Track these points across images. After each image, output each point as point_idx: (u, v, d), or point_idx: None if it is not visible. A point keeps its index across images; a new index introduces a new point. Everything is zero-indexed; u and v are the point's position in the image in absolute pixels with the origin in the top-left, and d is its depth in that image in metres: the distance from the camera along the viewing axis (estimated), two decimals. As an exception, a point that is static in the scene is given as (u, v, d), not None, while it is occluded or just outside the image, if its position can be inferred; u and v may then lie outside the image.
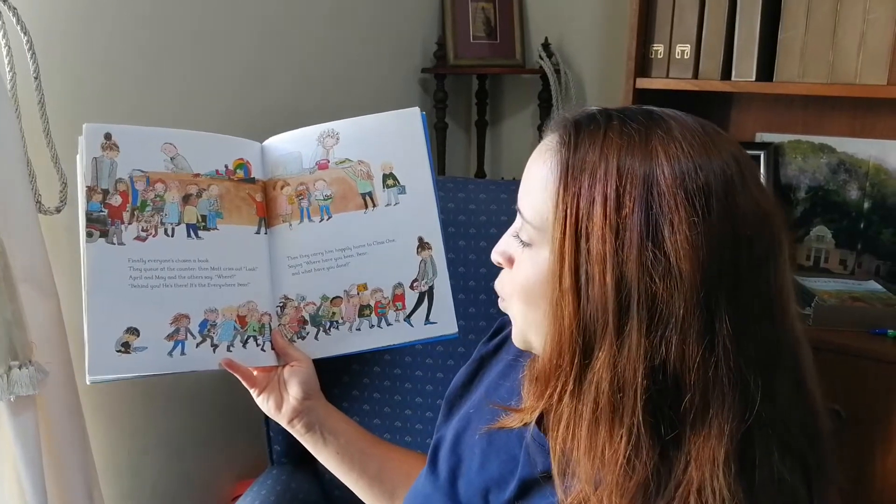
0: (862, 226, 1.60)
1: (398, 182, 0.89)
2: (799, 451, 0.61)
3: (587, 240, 0.60)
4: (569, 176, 0.61)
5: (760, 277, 0.59)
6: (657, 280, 0.57)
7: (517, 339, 0.71)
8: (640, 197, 0.58)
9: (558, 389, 0.63)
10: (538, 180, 0.65)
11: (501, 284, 0.71)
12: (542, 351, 0.66)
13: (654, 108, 0.64)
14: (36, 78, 1.05)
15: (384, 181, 0.89)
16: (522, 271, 0.67)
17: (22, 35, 1.03)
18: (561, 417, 0.63)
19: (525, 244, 0.67)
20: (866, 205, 1.59)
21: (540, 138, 0.69)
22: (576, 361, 0.61)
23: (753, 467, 0.58)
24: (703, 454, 0.58)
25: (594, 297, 0.59)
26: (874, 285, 1.52)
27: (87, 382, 0.80)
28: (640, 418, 0.58)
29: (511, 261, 0.69)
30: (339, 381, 1.29)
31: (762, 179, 0.63)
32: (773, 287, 0.60)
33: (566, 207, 0.61)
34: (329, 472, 0.93)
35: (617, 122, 0.62)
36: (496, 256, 0.71)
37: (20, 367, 0.99)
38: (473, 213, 1.25)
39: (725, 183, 0.58)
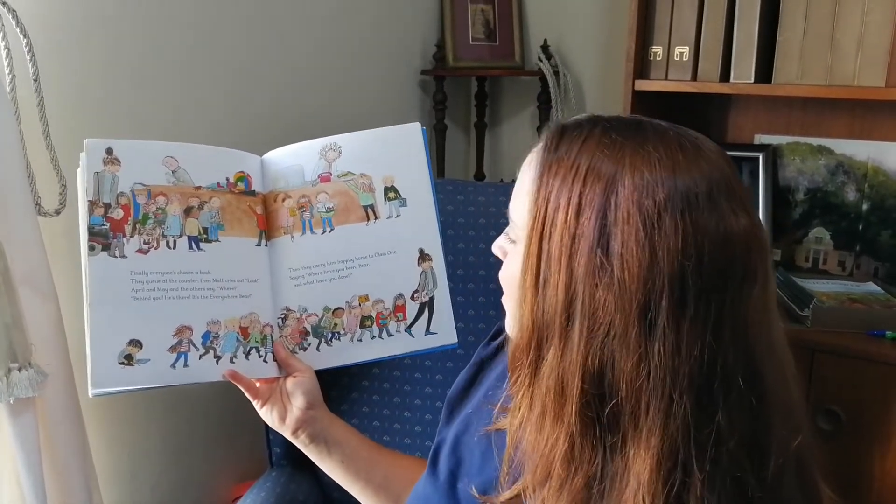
0: (860, 227, 1.60)
1: (399, 195, 0.90)
2: (743, 480, 0.59)
3: (549, 241, 0.62)
4: (543, 179, 0.63)
5: (712, 300, 0.58)
6: (601, 288, 0.58)
7: (508, 328, 0.74)
8: (598, 205, 0.59)
9: (519, 379, 0.65)
10: (521, 182, 0.68)
11: (500, 277, 0.74)
12: (512, 341, 0.69)
13: (645, 119, 0.65)
14: (35, 80, 1.05)
15: (386, 194, 0.90)
16: (508, 266, 0.71)
17: (21, 38, 1.03)
18: (519, 407, 0.66)
19: (511, 241, 0.71)
20: (865, 206, 1.60)
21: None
22: (531, 357, 0.63)
23: (676, 489, 0.58)
24: (636, 466, 0.59)
25: (548, 297, 0.61)
26: (872, 287, 1.52)
27: (90, 395, 0.80)
28: (576, 419, 0.60)
29: (505, 254, 0.72)
30: (339, 383, 1.29)
31: (745, 204, 0.61)
32: (729, 312, 0.58)
33: (537, 209, 0.63)
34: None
35: (600, 129, 0.63)
36: (494, 249, 0.74)
37: (20, 370, 0.99)
38: (472, 215, 1.25)
39: (687, 202, 0.58)
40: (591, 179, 0.60)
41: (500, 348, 0.85)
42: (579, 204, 0.60)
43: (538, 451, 0.63)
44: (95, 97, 1.25)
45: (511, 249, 0.70)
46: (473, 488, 0.74)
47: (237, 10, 1.47)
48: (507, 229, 0.72)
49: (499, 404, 0.76)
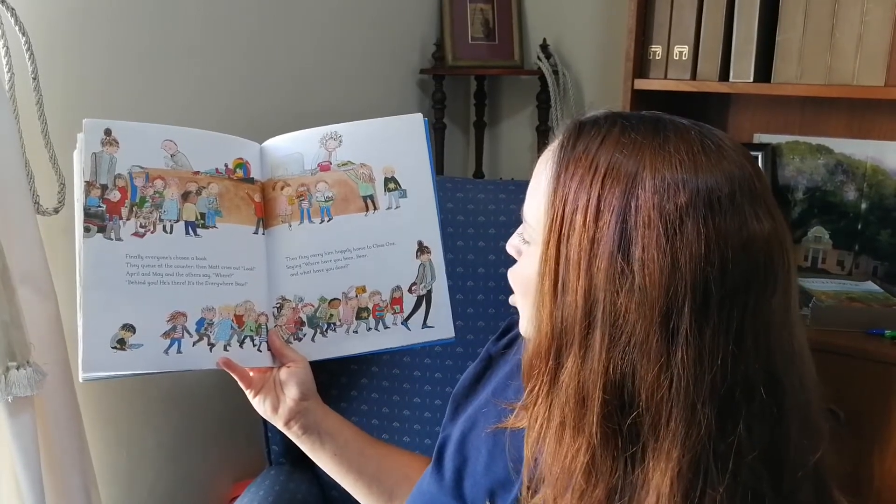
0: (859, 226, 1.60)
1: (399, 186, 0.90)
2: (761, 492, 0.59)
3: (567, 245, 0.60)
4: (560, 179, 0.62)
5: (735, 307, 0.57)
6: (622, 295, 0.57)
7: (523, 329, 0.72)
8: (618, 208, 0.58)
9: (536, 388, 0.64)
10: (536, 181, 0.66)
11: (511, 276, 0.72)
12: (527, 347, 0.67)
13: (664, 116, 0.63)
14: (34, 79, 1.05)
15: (386, 185, 0.89)
16: (522, 267, 0.69)
17: (20, 35, 1.03)
18: (537, 418, 0.64)
19: (525, 242, 0.69)
20: (864, 205, 1.60)
21: (539, 140, 0.70)
22: (550, 364, 0.62)
23: (696, 499, 0.57)
24: (655, 479, 0.57)
25: (567, 303, 0.60)
26: (871, 286, 1.52)
27: (80, 380, 0.79)
28: (597, 430, 0.59)
29: (519, 254, 0.71)
30: (337, 381, 1.29)
31: (768, 204, 0.59)
32: (751, 318, 0.57)
33: (554, 211, 0.61)
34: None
35: (618, 128, 0.62)
36: (509, 248, 0.73)
37: (18, 368, 0.99)
38: (472, 213, 1.25)
39: (709, 206, 0.56)
40: (609, 181, 0.58)
41: (510, 345, 0.85)
42: (598, 207, 0.58)
43: (558, 462, 0.62)
44: (95, 96, 1.25)
45: (526, 250, 0.69)
46: (481, 491, 0.73)
47: (236, 12, 1.47)
48: (520, 228, 0.71)
49: (507, 402, 0.75)
